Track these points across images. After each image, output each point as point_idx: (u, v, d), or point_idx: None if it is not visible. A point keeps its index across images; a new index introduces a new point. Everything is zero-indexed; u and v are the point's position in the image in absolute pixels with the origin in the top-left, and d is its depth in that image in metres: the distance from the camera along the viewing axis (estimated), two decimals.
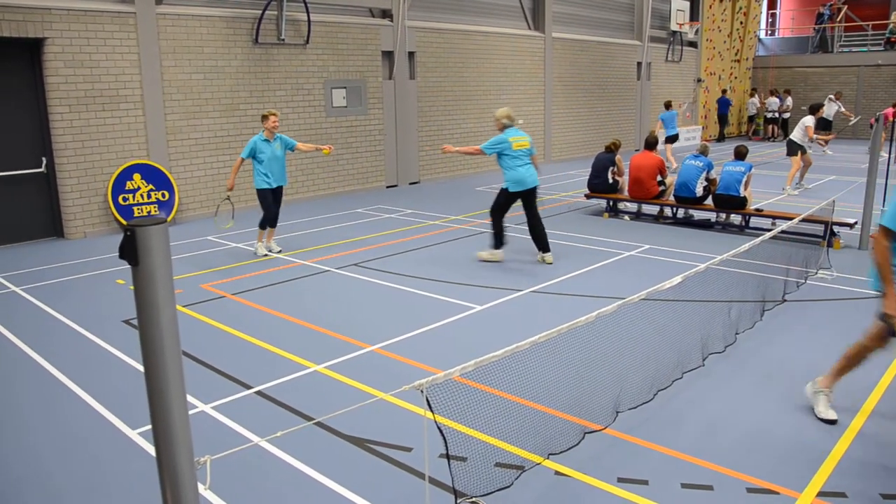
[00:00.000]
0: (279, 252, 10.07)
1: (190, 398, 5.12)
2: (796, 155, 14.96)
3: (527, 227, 9.56)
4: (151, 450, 4.59)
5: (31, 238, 11.27)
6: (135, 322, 7.16)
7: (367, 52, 15.55)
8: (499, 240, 9.49)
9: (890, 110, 21.12)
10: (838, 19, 31.55)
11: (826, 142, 19.58)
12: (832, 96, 24.33)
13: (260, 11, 13.29)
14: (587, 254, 9.92)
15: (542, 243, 9.43)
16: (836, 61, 29.88)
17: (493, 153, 9.36)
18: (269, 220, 9.85)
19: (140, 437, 4.82)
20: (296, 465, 4.44)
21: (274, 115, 9.45)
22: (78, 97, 11.24)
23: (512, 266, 9.32)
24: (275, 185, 9.66)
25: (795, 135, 15.10)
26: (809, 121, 15.17)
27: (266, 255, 9.98)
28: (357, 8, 15.44)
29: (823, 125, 22.42)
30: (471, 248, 10.35)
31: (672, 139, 19.42)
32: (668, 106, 19.63)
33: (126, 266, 6.86)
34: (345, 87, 15.18)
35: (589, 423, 4.82)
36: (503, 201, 9.34)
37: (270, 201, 9.69)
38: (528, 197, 9.32)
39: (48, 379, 5.90)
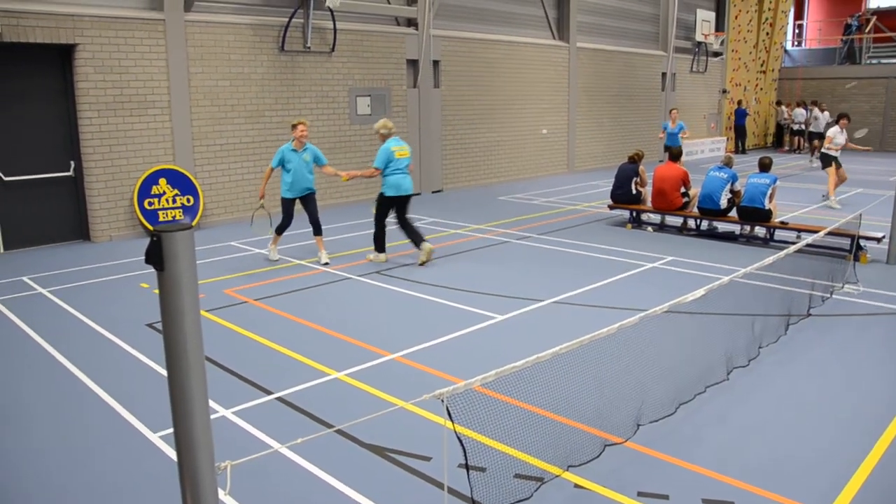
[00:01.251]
0: (326, 264, 9.85)
1: (211, 403, 5.15)
2: (830, 166, 14.82)
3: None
4: (172, 453, 4.62)
5: (58, 240, 11.42)
6: (158, 326, 7.23)
7: (392, 60, 15.62)
8: (380, 243, 9.97)
9: None
10: (867, 30, 31.23)
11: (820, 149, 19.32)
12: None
13: (286, 19, 13.41)
14: (610, 265, 9.87)
15: (416, 236, 9.81)
16: (865, 73, 29.56)
17: (384, 165, 9.59)
18: (284, 227, 9.96)
19: (161, 441, 4.85)
20: (315, 473, 4.45)
21: (303, 124, 9.56)
22: (107, 102, 11.39)
23: (533, 277, 9.30)
24: (298, 195, 9.76)
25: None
26: (831, 132, 15.05)
27: (278, 259, 10.11)
28: (382, 16, 15.52)
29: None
30: (493, 258, 10.34)
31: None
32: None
33: (150, 270, 6.96)
34: (369, 95, 15.26)
35: (609, 435, 4.78)
36: (385, 209, 9.76)
37: (291, 210, 9.80)
38: (405, 203, 9.76)
39: (71, 380, 5.96)
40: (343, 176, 9.75)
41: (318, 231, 9.98)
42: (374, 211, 9.94)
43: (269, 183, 10.18)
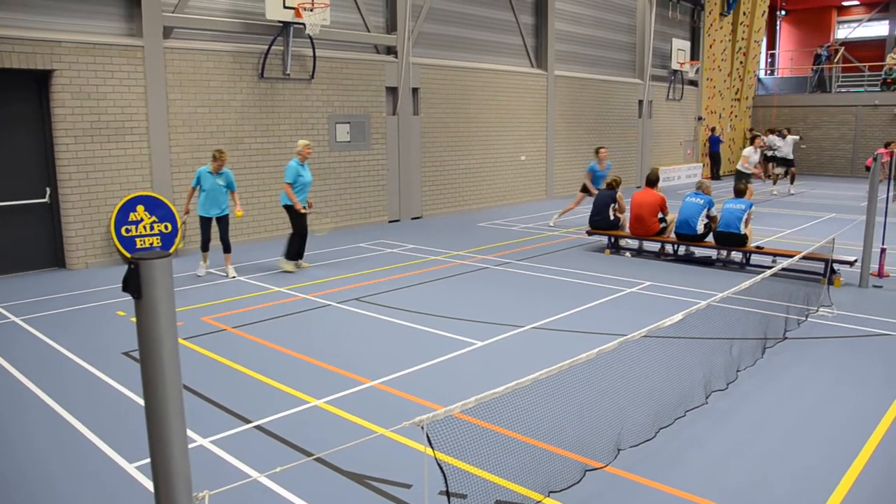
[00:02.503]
0: (234, 277, 10.69)
1: (189, 432, 5.09)
2: (749, 183, 15.66)
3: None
4: (149, 484, 4.56)
5: (33, 268, 11.28)
6: (135, 354, 7.15)
7: (372, 87, 15.71)
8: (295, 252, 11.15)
9: (882, 151, 21.30)
10: (836, 60, 31.93)
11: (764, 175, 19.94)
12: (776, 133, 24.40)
13: (266, 46, 13.46)
14: (588, 290, 9.92)
15: (301, 252, 11.18)
16: (835, 101, 30.17)
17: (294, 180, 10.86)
18: (204, 245, 10.78)
19: (137, 472, 4.78)
20: (295, 502, 4.40)
21: (221, 153, 10.43)
22: (84, 128, 11.34)
23: (512, 303, 9.32)
24: (211, 214, 10.55)
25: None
26: (746, 151, 15.95)
27: (206, 274, 10.88)
28: (362, 44, 15.63)
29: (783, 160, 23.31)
30: (472, 284, 10.36)
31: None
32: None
33: (127, 297, 6.87)
34: (349, 122, 15.32)
35: (590, 460, 4.78)
36: (299, 220, 10.98)
37: (206, 228, 10.63)
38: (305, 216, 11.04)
39: (45, 410, 5.87)
40: (238, 212, 10.51)
41: (227, 249, 10.82)
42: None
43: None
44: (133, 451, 5.06)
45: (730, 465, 4.87)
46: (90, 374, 6.72)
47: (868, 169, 13.63)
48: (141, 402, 2.47)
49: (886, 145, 22.09)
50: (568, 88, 21.52)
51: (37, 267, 11.34)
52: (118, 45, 11.60)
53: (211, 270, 10.98)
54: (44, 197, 11.30)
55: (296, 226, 10.98)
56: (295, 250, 11.09)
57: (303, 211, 10.87)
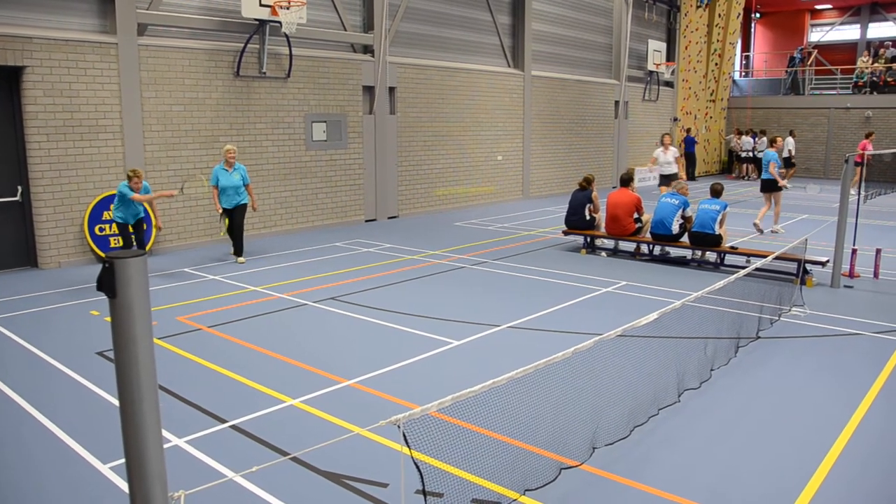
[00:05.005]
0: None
1: (164, 432, 5.05)
2: (667, 185, 16.30)
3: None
4: (123, 484, 4.53)
5: (4, 267, 11.12)
6: (109, 354, 7.08)
7: (349, 86, 15.68)
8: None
9: (864, 142, 21.86)
10: (809, 63, 32.37)
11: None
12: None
13: (242, 45, 13.38)
14: (564, 290, 9.98)
15: (240, 246, 11.84)
16: (808, 103, 30.58)
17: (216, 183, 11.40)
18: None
19: (111, 472, 4.74)
20: (271, 501, 4.39)
21: (138, 175, 10.21)
22: (56, 126, 11.20)
23: (489, 302, 9.35)
24: (131, 221, 10.40)
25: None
26: (656, 153, 16.73)
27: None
28: (339, 43, 15.59)
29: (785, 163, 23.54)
30: (449, 283, 10.38)
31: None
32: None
33: (101, 297, 6.82)
34: (325, 121, 15.27)
35: (565, 459, 4.82)
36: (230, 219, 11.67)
37: (126, 233, 10.46)
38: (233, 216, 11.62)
39: (17, 411, 5.80)
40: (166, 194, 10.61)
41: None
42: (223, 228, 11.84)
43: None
44: (107, 451, 5.01)
45: (703, 463, 4.93)
46: (64, 374, 6.65)
47: (858, 164, 13.93)
48: (115, 402, 2.46)
49: (868, 136, 22.57)
50: (544, 89, 21.61)
51: (8, 266, 11.18)
52: (91, 41, 11.47)
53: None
54: (15, 195, 11.15)
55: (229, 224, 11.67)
56: (237, 245, 11.85)
57: (220, 211, 11.49)
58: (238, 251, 11.81)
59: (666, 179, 16.70)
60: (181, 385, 6.32)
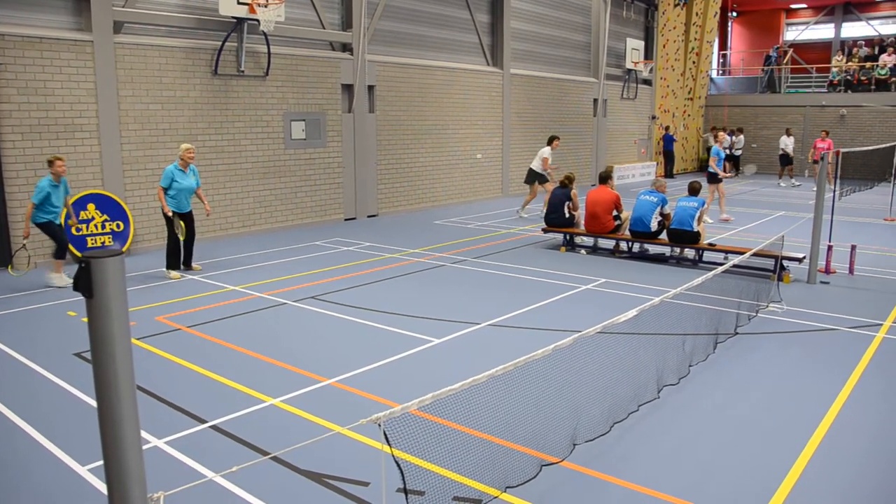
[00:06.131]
0: (60, 287, 9.94)
1: (143, 433, 5.02)
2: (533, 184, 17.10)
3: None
4: (102, 486, 4.49)
5: None
6: (86, 355, 7.01)
7: (327, 85, 15.62)
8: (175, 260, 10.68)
9: (819, 141, 22.44)
10: (784, 62, 32.70)
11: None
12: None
13: (220, 43, 13.29)
14: (544, 287, 10.01)
15: (185, 258, 10.85)
16: (784, 101, 30.90)
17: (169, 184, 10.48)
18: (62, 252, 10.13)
19: (90, 474, 4.70)
20: (251, 501, 4.37)
21: (59, 159, 9.75)
22: (31, 125, 11.07)
23: (469, 300, 9.36)
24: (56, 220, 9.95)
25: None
26: (545, 151, 16.91)
27: (66, 285, 10.02)
28: (317, 41, 15.53)
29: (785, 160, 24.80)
30: (429, 282, 10.38)
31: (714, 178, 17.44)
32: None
33: (77, 297, 6.76)
34: (304, 120, 15.20)
35: (546, 455, 4.84)
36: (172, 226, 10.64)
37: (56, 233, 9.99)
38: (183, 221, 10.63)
39: None
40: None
41: (61, 256, 10.13)
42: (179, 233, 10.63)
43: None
44: (85, 453, 4.96)
45: (682, 458, 4.97)
46: (40, 375, 6.58)
47: (816, 163, 14.13)
48: (93, 403, 2.44)
49: (825, 135, 23.09)
50: (523, 87, 21.66)
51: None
52: (66, 39, 11.34)
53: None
54: None
55: (171, 233, 10.54)
56: (174, 258, 10.62)
57: (170, 215, 10.39)
58: (188, 261, 10.93)
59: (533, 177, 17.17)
60: (160, 385, 6.27)
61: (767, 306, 8.88)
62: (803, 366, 6.91)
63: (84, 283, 2.48)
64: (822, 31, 39.28)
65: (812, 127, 29.49)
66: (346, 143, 16.20)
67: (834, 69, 30.47)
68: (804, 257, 10.42)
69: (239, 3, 13.00)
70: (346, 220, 16.42)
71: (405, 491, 3.81)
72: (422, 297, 9.43)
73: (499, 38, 20.52)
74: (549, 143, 17.23)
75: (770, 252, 9.79)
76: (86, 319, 2.52)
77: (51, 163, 9.70)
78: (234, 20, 13.27)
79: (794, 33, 40.27)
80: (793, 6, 39.09)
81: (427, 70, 18.15)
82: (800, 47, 37.14)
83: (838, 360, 7.03)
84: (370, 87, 16.64)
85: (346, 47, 16.06)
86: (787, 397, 6.11)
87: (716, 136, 17.86)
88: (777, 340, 7.66)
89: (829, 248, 10.79)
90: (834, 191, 13.02)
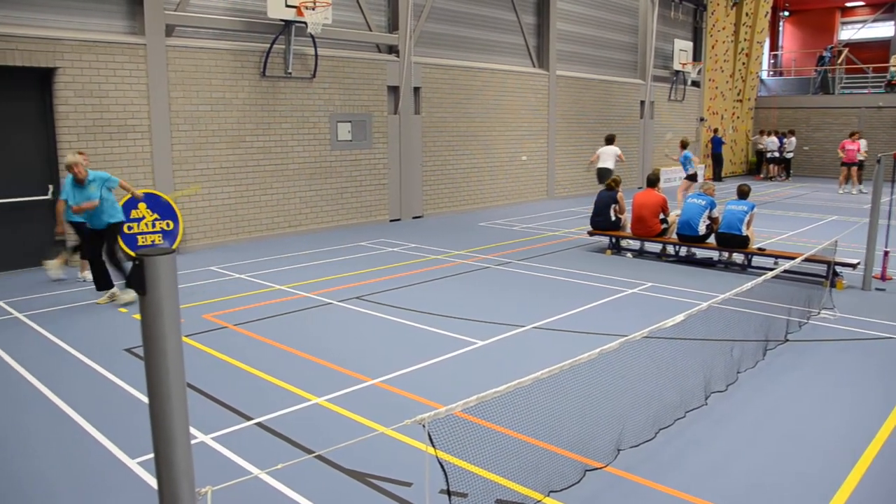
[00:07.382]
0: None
1: (190, 428, 5.10)
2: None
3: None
4: (150, 479, 4.57)
5: (35, 265, 11.28)
6: (136, 351, 7.16)
7: (373, 86, 15.72)
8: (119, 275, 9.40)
9: (847, 142, 21.92)
10: (839, 62, 31.91)
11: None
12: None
13: (268, 45, 13.47)
14: (590, 291, 9.92)
15: (106, 279, 9.29)
16: (838, 102, 30.15)
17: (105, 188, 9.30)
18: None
19: (139, 467, 4.79)
20: (295, 499, 4.41)
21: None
22: (86, 126, 11.36)
23: (514, 302, 9.33)
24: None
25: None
26: (615, 149, 17.39)
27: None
28: (364, 43, 15.64)
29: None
30: (474, 283, 10.36)
31: (692, 178, 18.15)
32: (683, 145, 18.72)
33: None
34: (350, 121, 15.32)
35: (590, 460, 4.79)
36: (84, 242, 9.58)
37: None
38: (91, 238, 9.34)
39: (48, 406, 5.88)
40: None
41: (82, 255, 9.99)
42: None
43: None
44: (135, 446, 5.07)
45: (729, 468, 4.87)
46: (93, 370, 6.73)
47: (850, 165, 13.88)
48: (142, 398, 2.48)
49: (851, 135, 22.57)
50: (569, 88, 21.52)
51: (39, 264, 11.33)
52: (120, 43, 11.62)
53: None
54: (46, 194, 11.31)
55: (82, 249, 9.80)
56: (99, 279, 9.28)
57: (59, 231, 9.77)
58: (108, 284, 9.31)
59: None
60: (207, 382, 6.37)
61: (819, 313, 8.66)
62: (857, 375, 6.72)
63: (137, 280, 2.52)
64: (880, 30, 38.20)
65: (867, 129, 28.71)
66: (391, 144, 16.28)
67: (892, 69, 29.59)
68: (858, 263, 10.14)
69: (287, 5, 13.17)
70: (391, 221, 16.49)
71: (448, 492, 3.80)
72: (466, 299, 9.42)
73: (545, 40, 20.42)
74: (612, 141, 17.65)
75: (822, 257, 9.56)
76: (137, 316, 2.57)
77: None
78: (282, 23, 13.44)
79: (849, 32, 39.25)
80: (848, 4, 38.14)
81: (472, 72, 18.15)
82: (855, 46, 36.15)
83: (893, 371, 6.82)
84: (416, 89, 16.70)
85: (392, 49, 16.15)
86: (839, 408, 5.95)
87: (685, 145, 18.29)
88: (830, 348, 7.47)
89: (886, 253, 10.47)
90: (892, 195, 12.66)
